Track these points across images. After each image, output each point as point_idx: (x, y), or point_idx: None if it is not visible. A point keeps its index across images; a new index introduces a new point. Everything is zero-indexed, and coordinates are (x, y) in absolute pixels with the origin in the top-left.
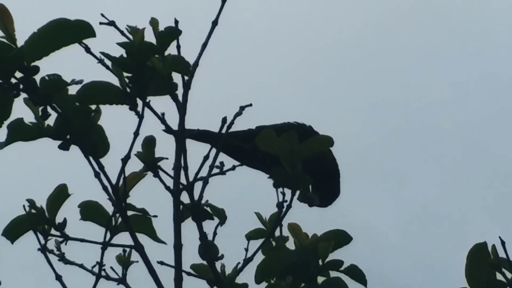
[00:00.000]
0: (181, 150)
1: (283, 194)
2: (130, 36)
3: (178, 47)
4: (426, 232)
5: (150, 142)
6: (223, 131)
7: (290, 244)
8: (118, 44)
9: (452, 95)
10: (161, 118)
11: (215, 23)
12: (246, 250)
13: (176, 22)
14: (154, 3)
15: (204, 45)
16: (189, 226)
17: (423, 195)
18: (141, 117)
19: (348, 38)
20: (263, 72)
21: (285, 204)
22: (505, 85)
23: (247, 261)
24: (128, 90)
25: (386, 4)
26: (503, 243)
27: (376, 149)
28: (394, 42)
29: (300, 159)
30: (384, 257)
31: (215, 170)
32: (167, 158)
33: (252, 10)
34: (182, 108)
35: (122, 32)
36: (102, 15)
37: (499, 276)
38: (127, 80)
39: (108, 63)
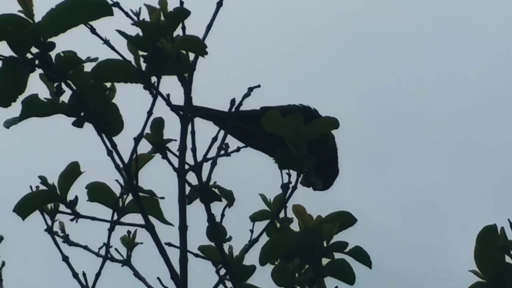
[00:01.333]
0: (186, 131)
1: (289, 175)
2: (135, 17)
3: (184, 28)
4: (416, 217)
5: (158, 124)
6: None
7: (295, 226)
8: (133, 23)
9: (443, 83)
10: (166, 99)
11: (220, 3)
12: (252, 231)
13: (182, 2)
14: None
15: (209, 26)
16: (197, 208)
17: (413, 181)
18: (155, 96)
19: (345, 21)
20: (267, 54)
21: (290, 186)
22: (497, 72)
23: (252, 242)
24: (143, 68)
25: None
26: None
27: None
28: (385, 28)
29: (305, 141)
30: (375, 243)
31: (223, 152)
32: (175, 140)
33: None
34: (187, 88)
35: (126, 14)
36: None
37: (507, 259)
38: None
39: (114, 44)
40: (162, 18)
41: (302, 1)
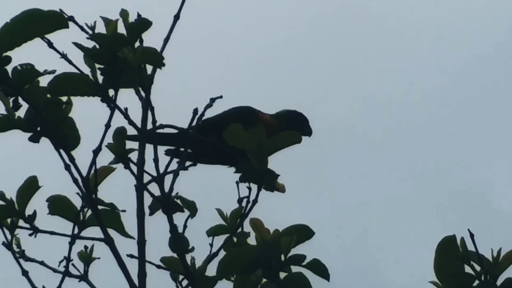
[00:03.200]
0: (144, 146)
1: (249, 188)
2: (89, 31)
3: (141, 41)
4: (363, 235)
5: (120, 133)
6: (194, 123)
7: (252, 240)
8: (89, 36)
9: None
10: (124, 113)
11: (177, 17)
12: (211, 245)
13: (139, 16)
14: None
15: (167, 40)
16: (159, 219)
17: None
18: (112, 109)
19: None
20: (226, 65)
21: (251, 199)
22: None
23: (211, 257)
24: (100, 81)
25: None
26: (471, 235)
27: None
28: (324, 47)
29: (267, 155)
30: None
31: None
32: (137, 150)
33: (213, 3)
34: (145, 102)
35: (81, 28)
36: (61, 10)
37: (467, 269)
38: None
39: (71, 57)
40: (123, 29)
41: (258, 12)
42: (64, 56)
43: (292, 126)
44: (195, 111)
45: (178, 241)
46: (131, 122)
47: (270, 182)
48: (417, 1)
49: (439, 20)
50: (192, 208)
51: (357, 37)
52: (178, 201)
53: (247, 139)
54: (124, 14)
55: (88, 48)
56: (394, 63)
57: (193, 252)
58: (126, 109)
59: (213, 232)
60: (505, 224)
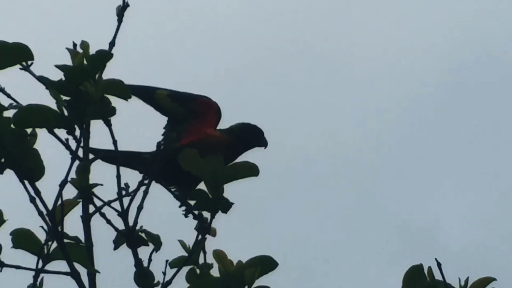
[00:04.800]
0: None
1: (200, 215)
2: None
3: (101, 73)
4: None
5: (84, 168)
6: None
7: (215, 272)
8: (56, 66)
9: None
10: (65, 144)
11: (112, 44)
12: (164, 273)
13: (74, 45)
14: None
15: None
16: (124, 253)
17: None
18: (78, 141)
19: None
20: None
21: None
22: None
23: (165, 285)
24: (66, 113)
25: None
26: (439, 264)
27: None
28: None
29: (223, 183)
30: None
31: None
32: (101, 185)
33: (149, 27)
34: (85, 132)
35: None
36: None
37: None
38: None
39: (38, 89)
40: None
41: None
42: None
43: (247, 139)
44: (159, 144)
45: (144, 276)
46: (72, 153)
47: (224, 210)
48: (355, 40)
49: (379, 59)
50: (156, 242)
51: (297, 75)
52: (143, 235)
53: (203, 165)
54: (84, 45)
55: (53, 81)
56: (341, 100)
57: (158, 286)
58: (67, 139)
59: (175, 263)
60: (452, 260)
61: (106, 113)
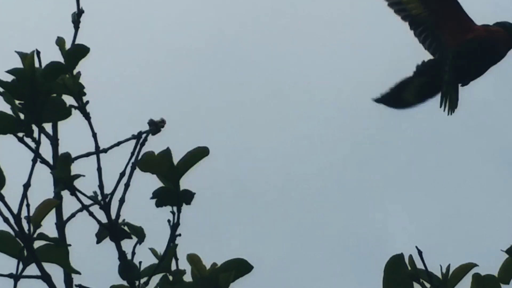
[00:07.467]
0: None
1: (173, 213)
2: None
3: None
4: None
5: (66, 159)
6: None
7: (188, 278)
8: (7, 71)
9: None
10: (32, 149)
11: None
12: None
13: (38, 52)
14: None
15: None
16: (108, 246)
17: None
18: (38, 143)
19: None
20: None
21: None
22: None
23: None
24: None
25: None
26: (420, 252)
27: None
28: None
29: (180, 176)
30: None
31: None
32: (84, 176)
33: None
34: (53, 137)
35: None
36: None
37: (417, 287)
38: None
39: None
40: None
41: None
42: None
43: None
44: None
45: (128, 268)
46: (43, 161)
47: (187, 201)
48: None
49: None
50: (139, 234)
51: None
52: (126, 228)
53: (158, 163)
54: (60, 42)
55: (4, 82)
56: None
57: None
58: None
59: (148, 271)
60: None
61: (62, 115)
